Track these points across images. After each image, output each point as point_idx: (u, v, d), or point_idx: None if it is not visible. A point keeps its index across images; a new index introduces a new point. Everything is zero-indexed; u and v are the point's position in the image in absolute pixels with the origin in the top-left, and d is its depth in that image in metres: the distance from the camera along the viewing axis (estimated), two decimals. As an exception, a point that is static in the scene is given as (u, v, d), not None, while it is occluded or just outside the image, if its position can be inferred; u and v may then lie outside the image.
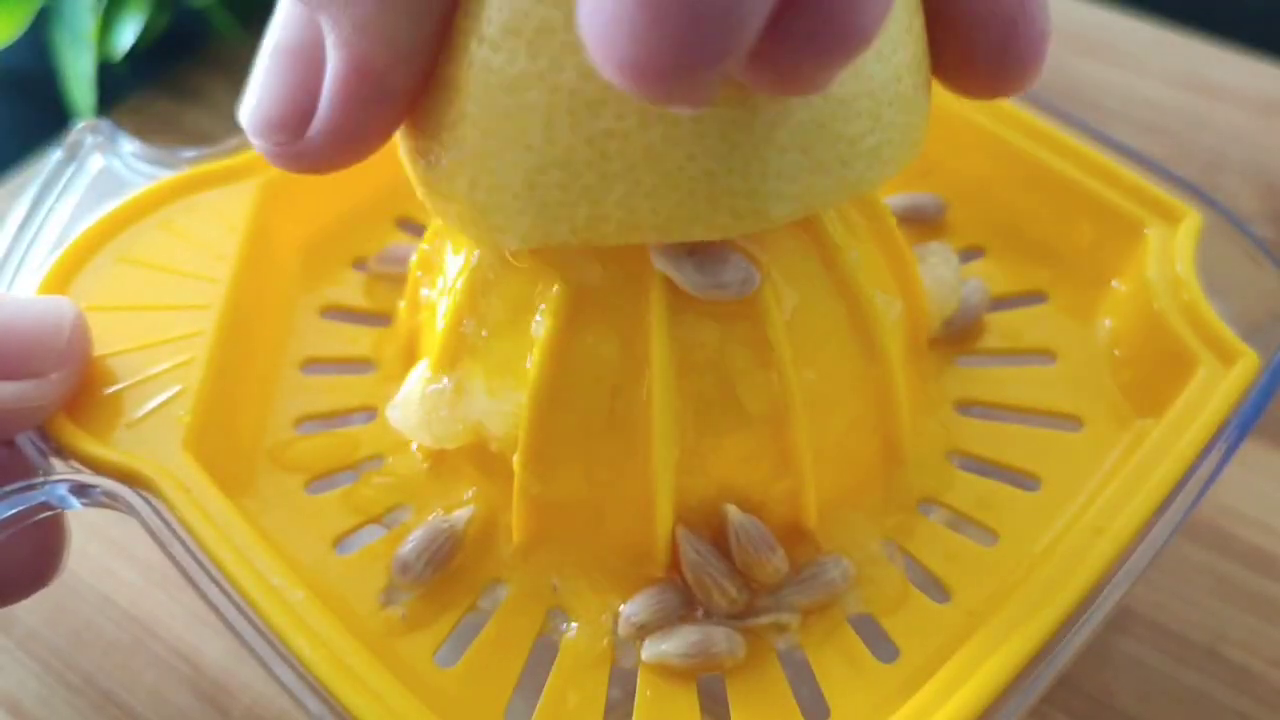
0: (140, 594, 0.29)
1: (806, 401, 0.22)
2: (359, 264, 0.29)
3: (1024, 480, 0.25)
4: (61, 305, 0.24)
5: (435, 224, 0.25)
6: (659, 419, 0.22)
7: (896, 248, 0.24)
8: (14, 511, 0.22)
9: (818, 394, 0.22)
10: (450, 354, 0.23)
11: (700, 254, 0.21)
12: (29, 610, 0.28)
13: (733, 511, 0.23)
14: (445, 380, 0.23)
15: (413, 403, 0.24)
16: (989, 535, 0.24)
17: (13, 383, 0.22)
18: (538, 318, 0.22)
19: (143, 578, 0.30)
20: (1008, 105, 0.29)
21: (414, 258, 0.26)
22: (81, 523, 0.24)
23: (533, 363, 0.22)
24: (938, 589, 0.23)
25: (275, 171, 0.28)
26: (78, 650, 0.28)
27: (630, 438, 0.22)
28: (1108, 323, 0.27)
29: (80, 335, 0.24)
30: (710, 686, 0.22)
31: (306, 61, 0.18)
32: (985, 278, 0.28)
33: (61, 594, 0.29)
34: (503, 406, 0.23)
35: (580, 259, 0.21)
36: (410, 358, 0.26)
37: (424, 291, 0.25)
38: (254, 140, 0.19)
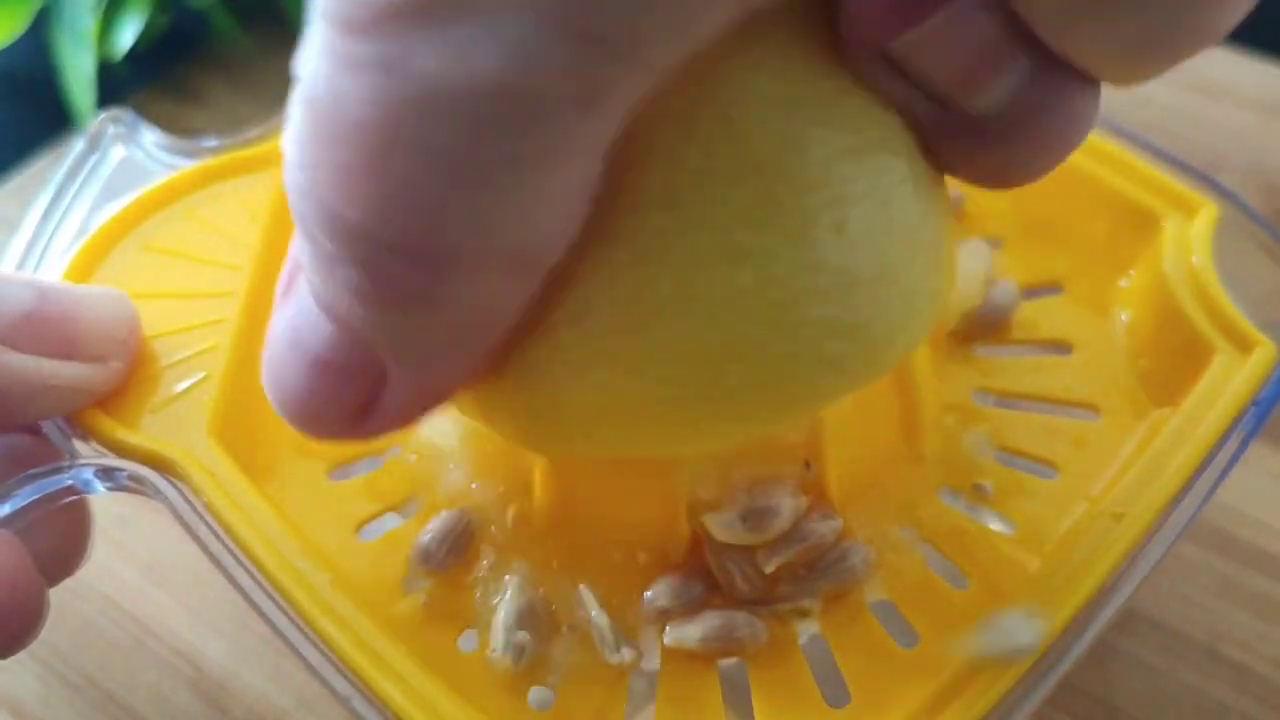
0: (141, 594, 0.29)
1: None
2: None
3: (1042, 469, 0.25)
4: (124, 299, 0.25)
5: None
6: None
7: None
8: (41, 495, 0.22)
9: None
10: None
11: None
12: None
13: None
14: None
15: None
16: (1007, 522, 0.24)
17: (77, 364, 0.23)
18: None
19: (144, 578, 0.30)
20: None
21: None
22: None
23: None
24: (957, 575, 0.23)
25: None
26: (79, 650, 0.28)
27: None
28: (1124, 315, 0.27)
29: (137, 331, 0.24)
30: (731, 672, 0.22)
31: (358, 377, 0.17)
32: (1002, 269, 0.28)
33: (62, 594, 0.28)
34: None
35: None
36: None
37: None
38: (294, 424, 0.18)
